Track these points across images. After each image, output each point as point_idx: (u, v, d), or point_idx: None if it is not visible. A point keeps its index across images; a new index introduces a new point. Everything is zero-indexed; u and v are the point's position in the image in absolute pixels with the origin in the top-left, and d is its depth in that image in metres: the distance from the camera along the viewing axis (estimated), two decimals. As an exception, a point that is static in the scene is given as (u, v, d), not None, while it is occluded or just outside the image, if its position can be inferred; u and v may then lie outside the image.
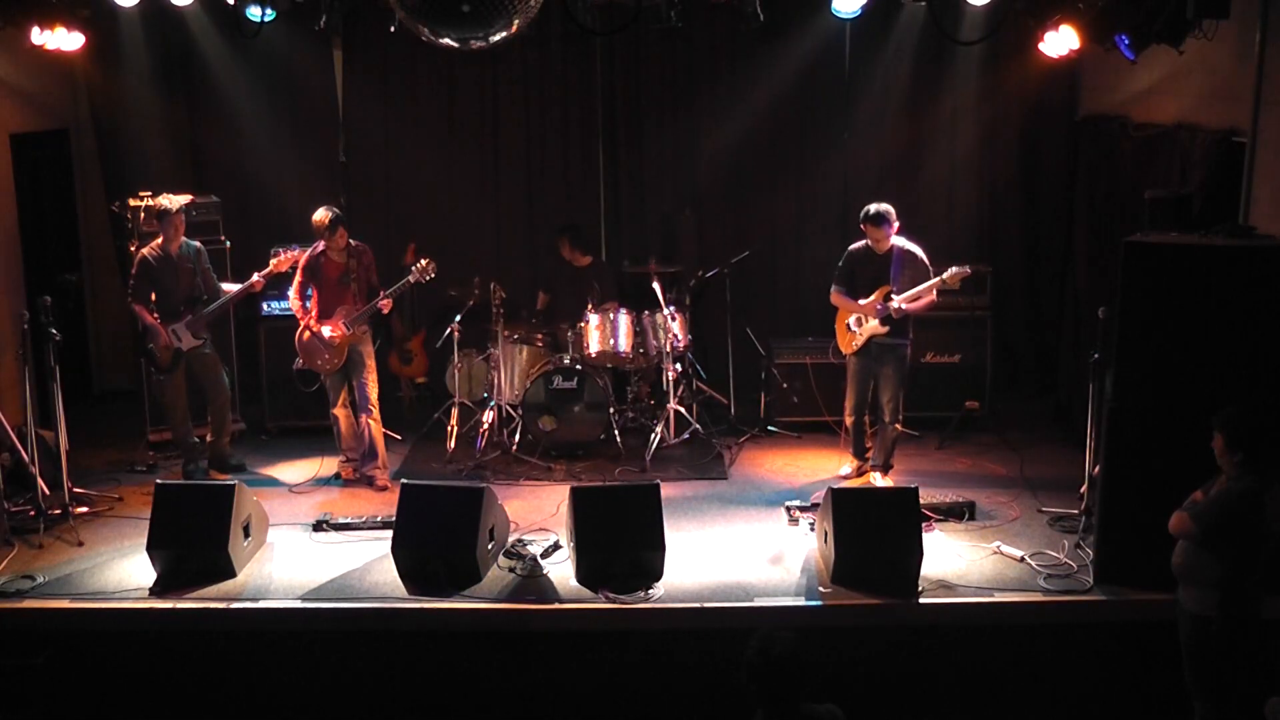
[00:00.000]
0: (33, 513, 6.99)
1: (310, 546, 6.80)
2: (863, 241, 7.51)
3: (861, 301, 7.43)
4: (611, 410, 8.21)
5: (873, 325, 7.37)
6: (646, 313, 8.37)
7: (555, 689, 5.96)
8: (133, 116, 9.51)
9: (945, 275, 7.26)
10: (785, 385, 8.72)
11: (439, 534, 6.29)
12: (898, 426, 7.57)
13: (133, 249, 8.06)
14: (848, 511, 6.20)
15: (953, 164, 9.51)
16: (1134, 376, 5.88)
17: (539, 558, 6.54)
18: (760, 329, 9.22)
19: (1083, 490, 6.81)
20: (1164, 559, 5.12)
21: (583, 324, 8.34)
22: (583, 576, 6.20)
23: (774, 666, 3.85)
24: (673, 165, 9.71)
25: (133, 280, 7.76)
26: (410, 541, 6.29)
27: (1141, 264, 5.83)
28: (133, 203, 8.48)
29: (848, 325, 7.55)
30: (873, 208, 7.36)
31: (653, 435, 8.26)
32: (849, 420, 7.78)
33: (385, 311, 7.78)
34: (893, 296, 7.27)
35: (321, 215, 7.49)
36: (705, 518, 7.20)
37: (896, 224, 7.38)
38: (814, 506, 6.99)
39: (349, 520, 7.06)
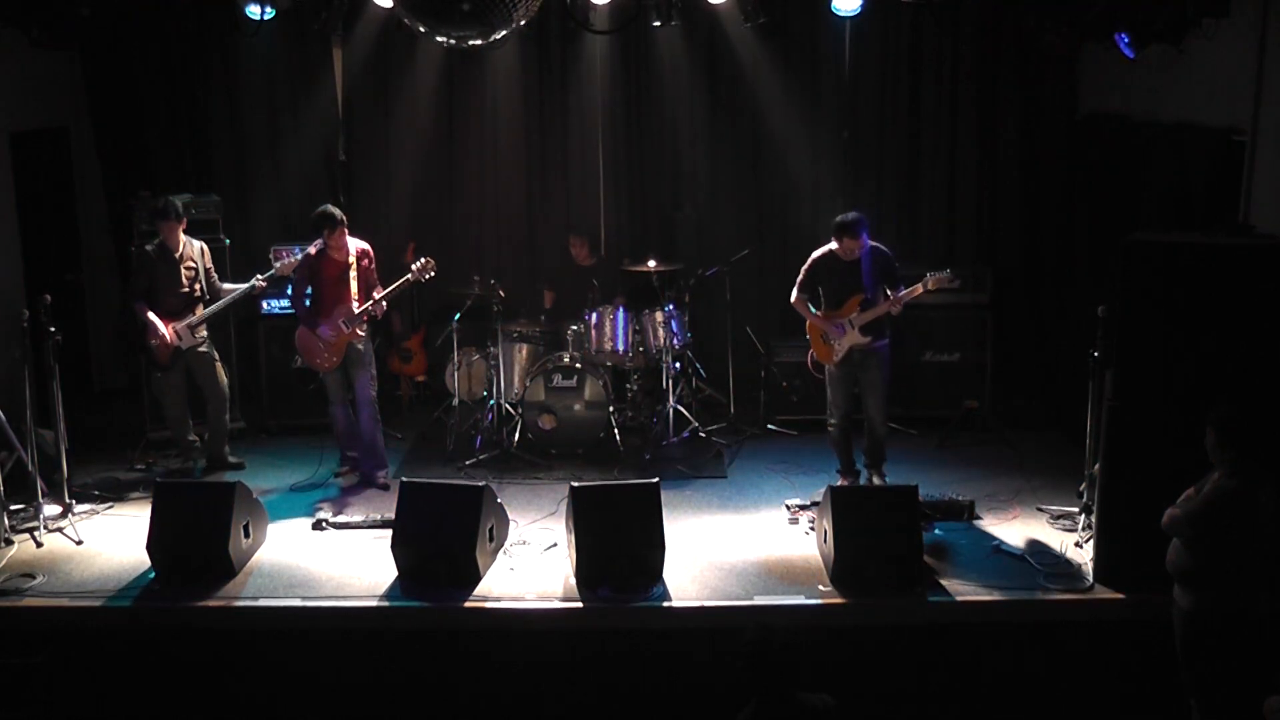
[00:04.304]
0: (32, 511, 6.99)
1: (310, 546, 6.80)
2: (827, 248, 7.12)
3: (825, 314, 7.18)
4: (611, 409, 8.21)
5: (852, 335, 7.09)
6: (646, 311, 8.35)
7: (555, 688, 5.95)
8: (133, 115, 9.51)
9: (928, 282, 6.91)
10: (785, 384, 8.72)
11: (439, 533, 6.29)
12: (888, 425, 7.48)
13: (133, 248, 8.05)
14: (847, 510, 6.20)
15: (953, 164, 9.50)
16: (1134, 375, 5.88)
17: (539, 556, 6.55)
18: (760, 328, 9.23)
19: (1082, 489, 6.81)
20: (1163, 558, 5.12)
21: (582, 323, 8.34)
22: (583, 575, 6.19)
23: (769, 655, 3.86)
24: (673, 164, 9.72)
25: (133, 278, 7.76)
26: (410, 540, 6.29)
27: (1141, 263, 5.83)
28: (133, 202, 8.47)
29: (822, 337, 7.25)
30: (849, 216, 7.01)
31: (652, 434, 8.26)
32: (834, 429, 7.40)
33: (384, 310, 7.77)
34: (895, 298, 6.97)
35: (322, 214, 7.49)
36: (705, 517, 7.20)
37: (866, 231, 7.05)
38: (813, 505, 6.99)
39: (348, 519, 7.07)
